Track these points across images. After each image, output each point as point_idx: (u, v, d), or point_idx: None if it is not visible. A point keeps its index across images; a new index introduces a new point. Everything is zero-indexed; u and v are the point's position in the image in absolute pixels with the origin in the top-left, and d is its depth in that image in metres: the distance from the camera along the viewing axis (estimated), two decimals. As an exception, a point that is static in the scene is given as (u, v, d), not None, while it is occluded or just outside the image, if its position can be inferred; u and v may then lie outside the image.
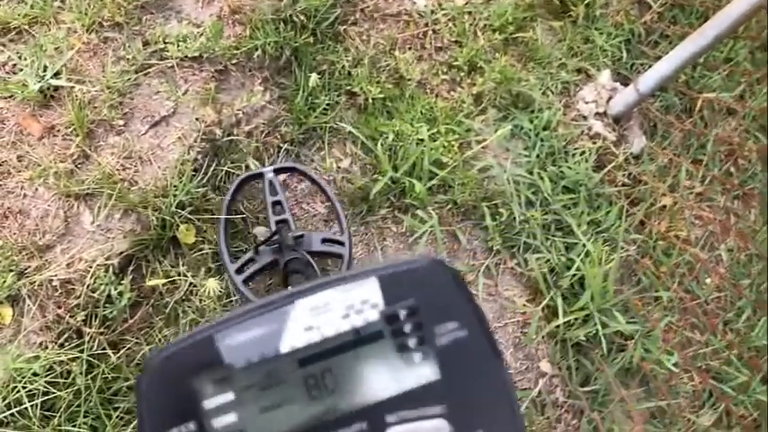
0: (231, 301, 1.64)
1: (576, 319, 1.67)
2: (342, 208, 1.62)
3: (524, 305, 1.73)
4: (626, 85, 1.97)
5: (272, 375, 0.43)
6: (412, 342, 0.44)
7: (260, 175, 1.60)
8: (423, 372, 0.44)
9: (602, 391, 1.66)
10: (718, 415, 1.71)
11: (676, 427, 1.66)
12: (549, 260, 1.74)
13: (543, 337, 1.69)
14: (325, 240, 1.51)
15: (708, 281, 1.87)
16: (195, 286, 1.62)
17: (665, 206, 1.90)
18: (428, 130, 1.83)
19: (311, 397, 0.43)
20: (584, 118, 1.95)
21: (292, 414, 0.43)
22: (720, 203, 1.98)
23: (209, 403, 0.42)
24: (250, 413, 0.42)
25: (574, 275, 1.71)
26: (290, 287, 1.35)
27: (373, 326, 0.44)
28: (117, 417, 1.50)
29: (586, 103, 1.97)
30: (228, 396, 0.42)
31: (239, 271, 1.48)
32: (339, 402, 0.43)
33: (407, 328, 0.44)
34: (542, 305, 1.70)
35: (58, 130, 1.65)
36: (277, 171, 1.61)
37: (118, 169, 1.64)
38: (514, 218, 1.77)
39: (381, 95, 1.86)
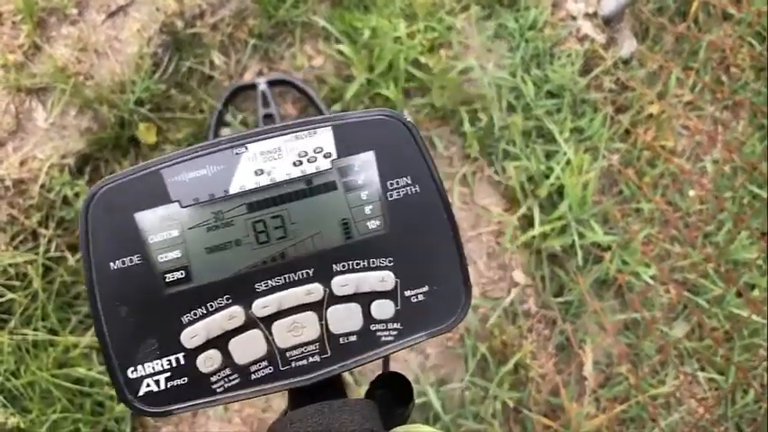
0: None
1: (552, 229, 1.63)
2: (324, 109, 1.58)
3: (500, 214, 1.67)
4: (619, -17, 1.85)
5: (219, 216, 0.42)
6: (363, 194, 0.44)
7: (252, 86, 1.54)
8: (372, 224, 0.44)
9: (576, 303, 1.63)
10: (690, 327, 1.70)
11: (649, 338, 1.65)
12: (527, 168, 1.67)
13: (518, 246, 1.65)
14: None
15: (691, 193, 1.82)
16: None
17: (651, 114, 1.82)
18: (406, 27, 1.71)
19: (258, 241, 0.43)
20: (573, 18, 1.84)
21: (238, 256, 0.43)
22: (709, 113, 1.91)
23: (155, 238, 0.41)
24: (195, 252, 0.42)
25: (552, 184, 1.65)
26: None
27: (325, 175, 0.44)
28: (76, 320, 1.46)
29: (576, 2, 1.85)
30: (174, 233, 0.42)
31: None
32: (286, 248, 0.43)
33: (360, 180, 0.44)
34: (518, 214, 1.65)
35: (6, 18, 1.53)
36: (270, 83, 1.55)
37: (72, 62, 1.53)
38: (494, 124, 1.69)
39: (358, -13, 1.74)
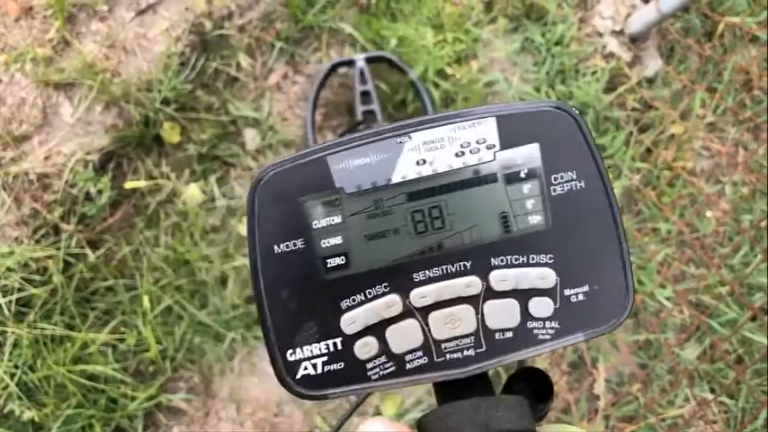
0: (215, 205, 1.58)
1: (571, 247, 1.62)
2: (430, 101, 1.55)
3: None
4: (647, 2, 1.85)
5: (380, 204, 0.43)
6: (525, 188, 0.43)
7: (350, 62, 1.53)
8: (533, 219, 0.43)
9: (591, 321, 1.63)
10: (702, 349, 1.70)
11: (660, 358, 1.65)
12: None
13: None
14: None
15: (709, 214, 1.82)
16: (178, 188, 1.56)
17: (673, 135, 1.81)
18: (434, 37, 1.71)
19: (417, 231, 0.43)
20: (600, 35, 1.83)
21: (397, 245, 0.43)
22: (731, 135, 1.90)
23: (318, 224, 0.42)
24: (356, 238, 0.43)
25: (573, 202, 1.65)
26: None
27: (487, 167, 0.43)
28: (94, 316, 1.46)
29: (603, 18, 1.85)
30: (336, 219, 0.42)
31: None
32: (444, 239, 0.43)
33: (522, 173, 0.43)
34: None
35: (37, 12, 1.54)
36: (369, 60, 1.54)
37: (100, 59, 1.54)
38: (517, 137, 1.68)
39: (386, -5, 1.73)
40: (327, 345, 0.43)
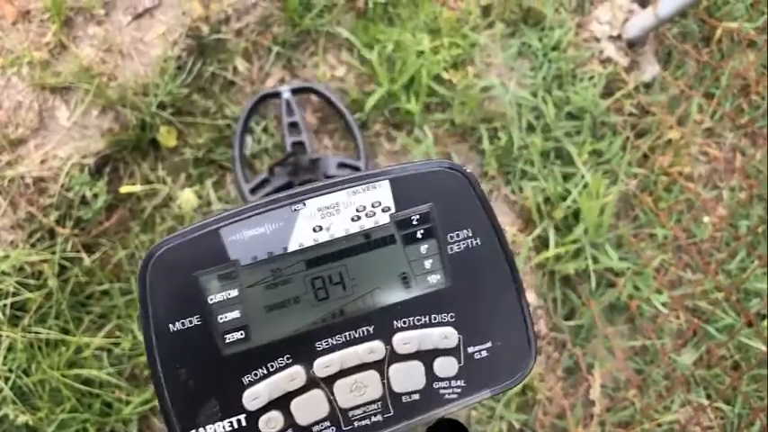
0: (211, 210, 1.58)
1: (566, 251, 1.62)
2: (360, 133, 1.55)
3: (515, 234, 1.67)
4: (644, 6, 1.85)
5: (278, 274, 0.42)
6: (423, 248, 0.43)
7: (277, 94, 1.53)
8: (433, 279, 0.43)
9: (587, 326, 1.63)
10: (699, 355, 1.70)
11: (656, 364, 1.65)
12: (544, 189, 1.67)
13: (531, 267, 1.65)
14: (341, 165, 1.45)
15: (706, 220, 1.82)
16: (174, 193, 1.56)
17: (670, 140, 1.81)
18: (430, 42, 1.71)
19: (317, 298, 0.43)
20: (597, 40, 1.83)
21: (297, 314, 0.42)
22: (728, 140, 1.90)
23: (214, 298, 0.41)
24: (255, 310, 0.42)
25: (569, 207, 1.65)
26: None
27: (384, 230, 0.43)
28: (89, 320, 1.46)
29: (600, 23, 1.85)
30: (233, 292, 0.41)
31: (253, 192, 1.43)
32: (346, 305, 0.43)
33: (419, 233, 0.43)
34: (533, 235, 1.65)
35: (34, 16, 1.54)
36: (295, 91, 1.53)
37: (97, 62, 1.54)
38: (513, 143, 1.69)
39: (383, 0, 1.73)
40: (231, 422, 0.42)
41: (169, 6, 1.60)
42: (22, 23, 1.53)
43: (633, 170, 1.78)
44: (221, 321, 0.41)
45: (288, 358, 0.42)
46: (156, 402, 1.45)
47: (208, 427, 0.42)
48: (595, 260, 1.62)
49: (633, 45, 1.85)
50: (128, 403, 1.44)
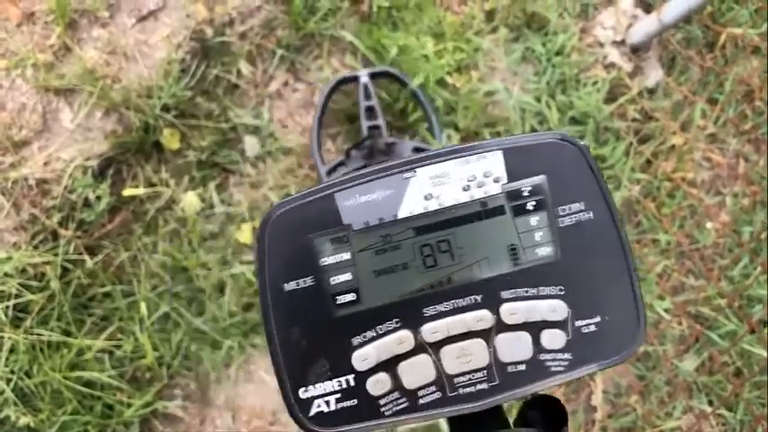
0: (214, 212, 1.58)
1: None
2: (436, 117, 1.55)
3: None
4: (648, 12, 1.84)
5: (387, 240, 0.43)
6: (533, 220, 0.43)
7: (355, 79, 1.54)
8: (542, 251, 0.44)
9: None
10: (701, 361, 1.69)
11: (658, 370, 1.65)
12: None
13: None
14: (416, 149, 1.46)
15: (708, 225, 1.81)
16: (177, 195, 1.56)
17: (674, 146, 1.81)
18: (434, 46, 1.71)
19: (425, 265, 0.43)
20: (601, 45, 1.83)
21: (405, 280, 0.43)
22: (731, 146, 1.90)
23: (327, 260, 0.43)
24: (365, 274, 0.43)
25: (572, 212, 1.65)
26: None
27: (494, 200, 0.43)
28: (91, 323, 1.46)
29: (604, 28, 1.84)
30: (345, 255, 0.43)
31: (329, 173, 1.45)
32: (453, 273, 0.43)
33: (530, 205, 0.43)
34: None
35: (38, 18, 1.54)
36: (372, 75, 1.54)
37: (101, 65, 1.54)
38: (516, 147, 1.68)
39: (387, 4, 1.73)
40: (340, 382, 0.43)
41: (173, 9, 1.60)
42: (27, 25, 1.53)
43: (636, 175, 1.77)
44: (333, 283, 0.43)
45: (396, 322, 0.43)
46: (157, 405, 1.45)
47: (318, 384, 0.43)
48: (598, 266, 1.62)
49: (637, 50, 1.85)
50: (129, 406, 1.44)
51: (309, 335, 0.42)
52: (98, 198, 1.48)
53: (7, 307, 1.36)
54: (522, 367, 0.44)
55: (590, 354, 0.44)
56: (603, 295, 0.44)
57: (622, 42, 1.84)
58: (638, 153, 1.79)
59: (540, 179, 0.43)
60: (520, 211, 0.43)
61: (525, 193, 0.43)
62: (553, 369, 0.44)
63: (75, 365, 1.42)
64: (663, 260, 1.70)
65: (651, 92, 1.87)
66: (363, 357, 0.42)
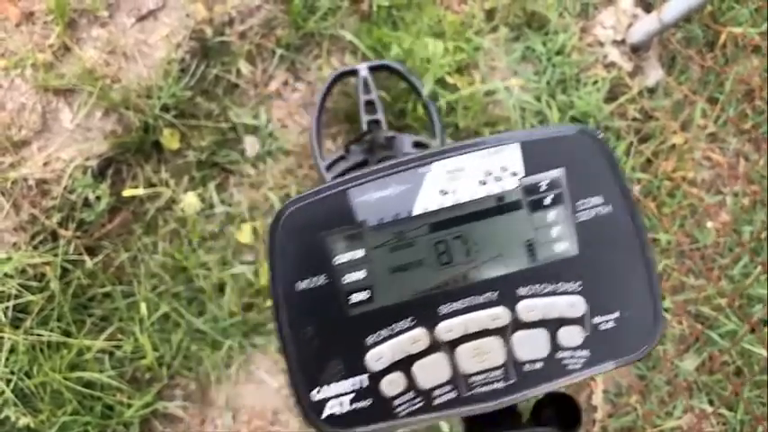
0: (214, 212, 1.58)
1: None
2: (437, 111, 1.54)
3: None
4: (649, 11, 1.84)
5: (402, 237, 0.42)
6: (551, 215, 0.43)
7: (354, 72, 1.52)
8: (560, 247, 0.43)
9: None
10: (701, 361, 1.69)
11: (658, 369, 1.65)
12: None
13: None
14: (416, 144, 1.45)
15: (709, 225, 1.81)
16: (177, 195, 1.56)
17: (674, 145, 1.81)
18: (434, 46, 1.71)
19: (440, 262, 0.42)
20: (601, 44, 1.83)
21: (421, 277, 0.42)
22: (732, 146, 1.90)
23: (340, 258, 0.42)
24: (379, 272, 0.42)
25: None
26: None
27: (511, 195, 0.42)
28: (91, 323, 1.46)
29: (605, 28, 1.84)
30: (359, 253, 0.42)
31: (328, 168, 1.43)
32: (469, 270, 0.42)
33: (547, 200, 0.42)
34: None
35: (38, 17, 1.54)
36: (372, 69, 1.53)
37: (100, 65, 1.53)
38: (516, 147, 1.68)
39: (387, 3, 1.72)
40: (354, 382, 0.42)
41: (173, 8, 1.60)
42: (26, 25, 1.52)
43: (636, 175, 1.77)
44: (347, 282, 0.42)
45: (411, 320, 0.42)
46: (157, 405, 1.45)
47: (331, 385, 0.42)
48: (598, 265, 1.61)
49: (637, 50, 1.84)
50: (129, 406, 1.44)
51: (322, 335, 0.42)
52: (98, 198, 1.48)
53: (7, 308, 1.36)
54: (539, 365, 0.43)
55: (607, 351, 0.43)
56: (622, 291, 0.43)
57: (622, 42, 1.84)
58: (639, 152, 1.79)
59: (558, 173, 0.42)
60: (537, 206, 0.43)
61: (543, 188, 0.42)
62: (570, 366, 0.43)
63: (75, 366, 1.42)
64: (663, 259, 1.70)
65: (651, 91, 1.87)
66: (377, 357, 0.42)
